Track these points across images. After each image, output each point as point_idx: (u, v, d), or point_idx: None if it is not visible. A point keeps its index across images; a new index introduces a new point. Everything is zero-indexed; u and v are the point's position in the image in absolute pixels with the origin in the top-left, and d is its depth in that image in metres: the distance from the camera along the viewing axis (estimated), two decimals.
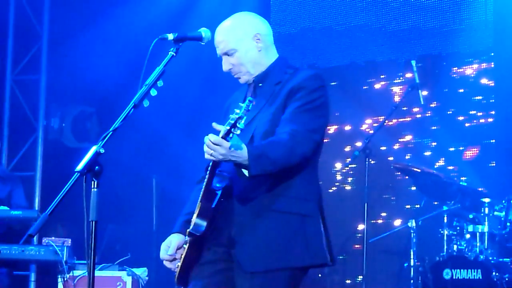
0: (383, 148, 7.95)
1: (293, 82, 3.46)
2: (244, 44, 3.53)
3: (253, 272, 3.35)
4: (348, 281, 8.21)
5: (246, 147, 3.17)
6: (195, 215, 3.35)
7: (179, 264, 3.47)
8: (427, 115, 7.97)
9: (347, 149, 8.26)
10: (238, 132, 3.09)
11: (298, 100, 3.40)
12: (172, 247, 3.49)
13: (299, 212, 3.40)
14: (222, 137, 3.09)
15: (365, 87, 8.38)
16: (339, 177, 8.36)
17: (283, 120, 3.38)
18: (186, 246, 3.42)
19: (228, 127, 3.07)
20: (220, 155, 3.12)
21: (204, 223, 3.32)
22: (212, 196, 3.34)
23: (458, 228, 6.46)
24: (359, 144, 7.72)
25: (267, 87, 3.53)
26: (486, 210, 6.35)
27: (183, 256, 3.43)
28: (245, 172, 3.21)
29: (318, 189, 3.51)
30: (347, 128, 8.41)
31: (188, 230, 3.36)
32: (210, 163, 3.31)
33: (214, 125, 3.16)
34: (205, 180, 3.34)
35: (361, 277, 6.74)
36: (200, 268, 3.46)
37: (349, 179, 8.33)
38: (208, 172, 3.33)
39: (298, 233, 3.38)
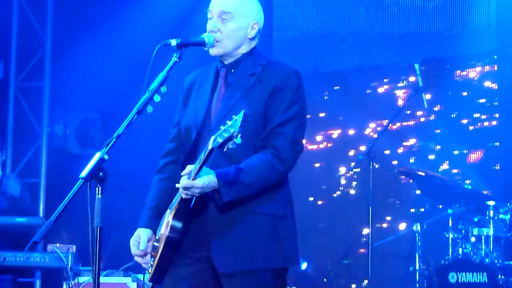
0: (387, 152, 7.94)
1: (274, 80, 3.43)
2: (242, 20, 3.49)
3: (227, 273, 3.34)
4: (353, 285, 8.19)
5: (215, 175, 3.23)
6: (170, 216, 3.38)
7: (154, 264, 3.47)
8: (431, 118, 7.96)
9: (351, 153, 8.25)
10: (233, 146, 3.08)
11: (282, 104, 3.39)
12: (142, 242, 3.49)
13: (273, 213, 3.40)
14: (205, 158, 3.15)
15: (369, 91, 8.38)
16: (343, 181, 8.35)
17: (268, 132, 3.38)
18: (161, 245, 3.41)
19: (222, 140, 3.07)
20: (197, 193, 3.25)
21: (180, 224, 3.36)
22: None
23: (463, 231, 6.45)
24: (363, 148, 7.74)
25: (240, 76, 3.48)
26: (491, 213, 6.34)
27: (158, 256, 3.43)
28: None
29: (289, 189, 3.52)
30: (351, 132, 8.41)
31: (167, 235, 3.36)
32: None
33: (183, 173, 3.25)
34: None
35: (367, 281, 6.74)
36: (175, 270, 3.45)
37: (354, 183, 8.32)
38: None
39: (272, 234, 3.38)
